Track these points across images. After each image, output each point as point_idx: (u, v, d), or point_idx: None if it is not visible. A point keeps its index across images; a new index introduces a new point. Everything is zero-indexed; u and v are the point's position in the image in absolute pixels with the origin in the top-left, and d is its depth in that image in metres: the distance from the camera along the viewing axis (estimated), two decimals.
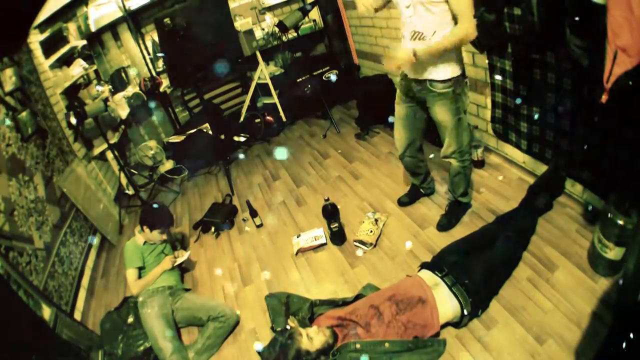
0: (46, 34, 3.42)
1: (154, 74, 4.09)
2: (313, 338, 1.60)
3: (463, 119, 1.92)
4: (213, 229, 2.95)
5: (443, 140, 2.03)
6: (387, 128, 3.45)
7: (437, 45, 1.68)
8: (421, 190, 2.50)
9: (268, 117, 4.22)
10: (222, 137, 3.93)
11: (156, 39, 4.04)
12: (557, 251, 1.86)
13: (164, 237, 2.40)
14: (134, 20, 3.91)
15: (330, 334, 1.63)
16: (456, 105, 1.87)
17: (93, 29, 3.68)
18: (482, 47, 2.26)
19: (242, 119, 4.25)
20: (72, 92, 3.57)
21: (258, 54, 4.04)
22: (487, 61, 2.32)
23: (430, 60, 1.77)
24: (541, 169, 2.25)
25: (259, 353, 1.82)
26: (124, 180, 3.73)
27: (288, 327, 1.76)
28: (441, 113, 1.90)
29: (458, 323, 1.68)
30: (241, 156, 3.98)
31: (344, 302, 1.86)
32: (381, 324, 1.63)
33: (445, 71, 1.80)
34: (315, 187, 3.07)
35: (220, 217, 2.95)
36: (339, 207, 2.37)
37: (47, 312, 2.03)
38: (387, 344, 1.55)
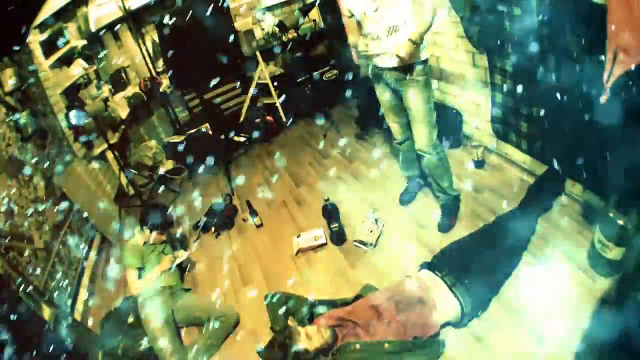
0: (46, 34, 3.42)
1: (153, 74, 4.09)
2: (312, 337, 1.60)
3: (433, 109, 2.01)
4: (213, 229, 2.95)
5: (415, 134, 2.08)
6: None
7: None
8: (418, 180, 2.51)
9: (268, 117, 4.22)
10: (222, 137, 3.94)
11: (156, 39, 4.04)
12: (557, 251, 1.86)
13: (164, 237, 2.40)
14: (135, 20, 3.91)
15: (330, 334, 1.63)
16: (429, 94, 1.97)
17: (93, 29, 3.68)
18: (482, 47, 2.26)
19: (242, 119, 4.25)
20: (72, 92, 3.57)
21: (258, 54, 4.04)
22: (487, 61, 2.32)
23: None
24: (541, 169, 2.25)
25: (258, 353, 1.82)
26: (124, 180, 3.73)
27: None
28: (415, 100, 1.96)
29: (458, 323, 1.68)
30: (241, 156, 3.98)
31: (344, 302, 1.85)
32: (381, 324, 1.62)
33: (419, 53, 1.87)
34: (315, 187, 3.07)
35: (220, 217, 2.95)
36: (339, 207, 2.37)
37: (47, 312, 2.03)
38: (386, 344, 1.55)
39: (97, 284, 2.86)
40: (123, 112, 3.77)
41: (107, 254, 3.15)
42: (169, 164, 4.04)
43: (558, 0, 1.63)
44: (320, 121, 4.15)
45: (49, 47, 3.39)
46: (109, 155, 3.73)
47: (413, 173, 2.48)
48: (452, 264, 1.76)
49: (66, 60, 3.57)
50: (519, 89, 2.16)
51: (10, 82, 2.74)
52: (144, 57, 4.04)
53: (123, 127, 4.03)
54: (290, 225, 2.74)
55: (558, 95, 1.91)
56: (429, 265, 1.84)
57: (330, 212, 2.31)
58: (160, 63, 4.16)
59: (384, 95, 2.16)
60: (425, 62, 1.92)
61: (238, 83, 4.48)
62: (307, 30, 4.37)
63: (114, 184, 3.79)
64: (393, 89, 2.07)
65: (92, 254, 3.13)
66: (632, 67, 1.23)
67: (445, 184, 2.20)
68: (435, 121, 2.04)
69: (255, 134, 4.09)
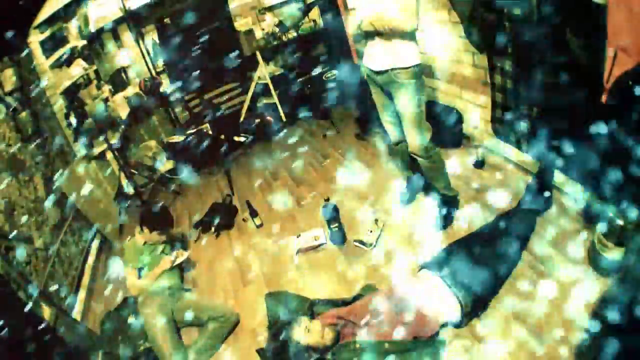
0: (46, 34, 3.42)
1: (153, 74, 4.09)
2: (312, 332, 1.60)
3: (423, 113, 1.98)
4: (213, 229, 2.95)
5: (407, 137, 2.06)
6: None
7: None
8: (417, 180, 2.49)
9: (268, 117, 4.22)
10: (222, 137, 3.94)
11: (156, 39, 4.05)
12: (557, 251, 1.86)
13: (164, 237, 2.40)
14: (134, 20, 3.91)
15: (331, 333, 1.63)
16: (419, 96, 1.93)
17: (93, 29, 3.68)
18: (482, 47, 2.26)
19: (242, 119, 4.25)
20: (72, 92, 3.57)
21: (258, 54, 4.04)
22: (487, 61, 2.32)
23: (392, 49, 1.82)
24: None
25: (258, 353, 1.82)
26: (124, 180, 3.73)
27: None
28: (405, 103, 1.94)
29: (458, 323, 1.68)
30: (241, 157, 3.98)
31: (344, 302, 1.85)
32: (381, 324, 1.62)
33: (408, 58, 1.84)
34: (315, 187, 3.07)
35: (220, 217, 2.96)
36: (339, 207, 2.37)
37: (47, 312, 2.03)
38: (386, 344, 1.55)
39: (97, 284, 2.86)
40: (123, 112, 3.77)
41: (107, 254, 3.15)
42: (169, 164, 4.04)
43: (558, 0, 1.63)
44: (320, 121, 4.15)
45: (49, 47, 3.39)
46: (109, 155, 3.73)
47: (411, 173, 2.47)
48: (452, 264, 1.76)
49: (66, 60, 3.57)
50: (519, 89, 2.16)
51: (10, 82, 2.74)
52: (144, 57, 4.04)
53: (123, 127, 4.04)
54: (290, 225, 2.74)
55: (558, 95, 1.91)
56: (429, 265, 1.84)
57: (330, 212, 2.30)
58: (160, 63, 4.16)
59: (377, 97, 2.15)
60: (415, 66, 1.87)
61: (238, 83, 4.49)
62: (307, 30, 4.37)
63: (114, 184, 3.79)
64: (385, 91, 2.06)
65: (92, 254, 3.13)
66: (632, 67, 1.23)
67: (441, 184, 2.19)
68: (426, 124, 2.02)
69: (255, 134, 4.10)
